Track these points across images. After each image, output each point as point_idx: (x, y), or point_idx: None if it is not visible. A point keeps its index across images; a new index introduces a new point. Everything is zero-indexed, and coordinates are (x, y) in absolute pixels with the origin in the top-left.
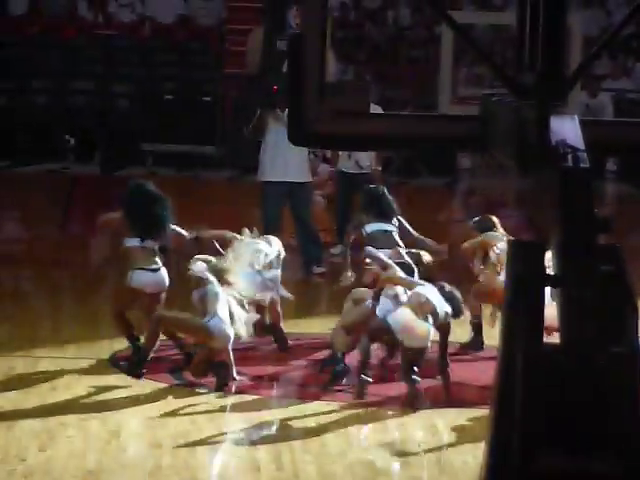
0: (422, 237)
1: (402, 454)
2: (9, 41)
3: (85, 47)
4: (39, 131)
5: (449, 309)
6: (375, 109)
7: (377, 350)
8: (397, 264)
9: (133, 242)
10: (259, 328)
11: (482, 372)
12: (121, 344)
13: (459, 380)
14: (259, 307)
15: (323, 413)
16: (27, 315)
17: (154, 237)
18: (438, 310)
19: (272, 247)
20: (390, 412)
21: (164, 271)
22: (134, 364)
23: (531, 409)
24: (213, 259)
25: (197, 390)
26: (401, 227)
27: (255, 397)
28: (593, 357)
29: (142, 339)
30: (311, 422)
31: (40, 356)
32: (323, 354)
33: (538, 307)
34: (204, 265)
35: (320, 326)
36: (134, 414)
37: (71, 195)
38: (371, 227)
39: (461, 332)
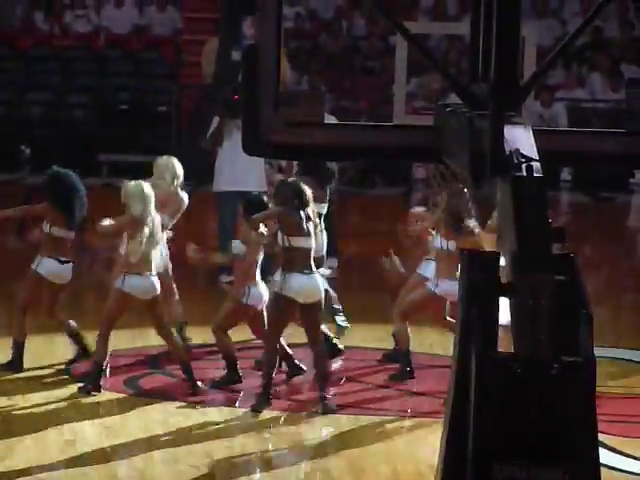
0: None
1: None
2: None
3: (41, 58)
4: None
5: None
6: (330, 119)
7: None
8: None
9: (56, 231)
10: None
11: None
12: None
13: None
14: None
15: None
16: None
17: (71, 228)
18: None
19: None
20: None
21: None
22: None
23: (484, 417)
24: None
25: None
26: None
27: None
28: (547, 366)
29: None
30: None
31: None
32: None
33: (492, 316)
34: None
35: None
36: (90, 424)
37: (26, 205)
38: None
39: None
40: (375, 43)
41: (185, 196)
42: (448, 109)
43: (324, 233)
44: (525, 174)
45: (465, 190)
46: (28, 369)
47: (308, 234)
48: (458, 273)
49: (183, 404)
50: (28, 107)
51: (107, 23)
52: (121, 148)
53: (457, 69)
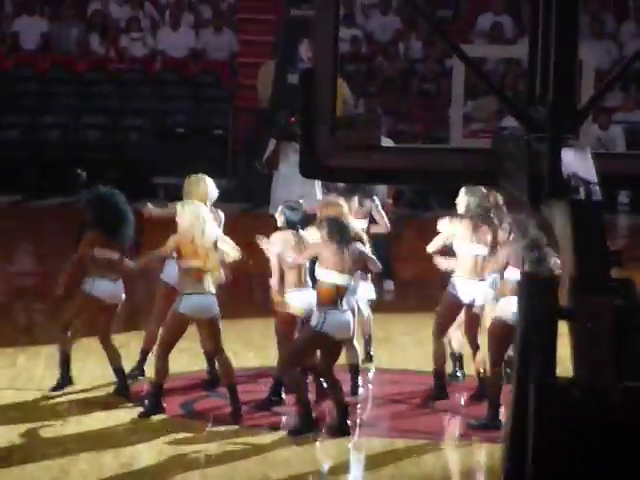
0: None
1: None
2: (22, 76)
3: (97, 81)
4: (52, 165)
5: None
6: (386, 142)
7: None
8: None
9: (103, 252)
10: None
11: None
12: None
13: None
14: None
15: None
16: (40, 348)
17: (119, 248)
18: None
19: None
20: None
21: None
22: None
23: (543, 443)
24: None
25: (209, 423)
26: None
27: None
28: (607, 391)
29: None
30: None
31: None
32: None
33: (551, 341)
34: None
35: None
36: (146, 447)
37: (82, 228)
38: None
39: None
40: (432, 66)
41: (220, 214)
42: (506, 132)
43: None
44: (583, 197)
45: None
46: (82, 390)
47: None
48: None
49: (237, 427)
50: (84, 130)
51: (163, 46)
52: (177, 171)
53: (514, 92)
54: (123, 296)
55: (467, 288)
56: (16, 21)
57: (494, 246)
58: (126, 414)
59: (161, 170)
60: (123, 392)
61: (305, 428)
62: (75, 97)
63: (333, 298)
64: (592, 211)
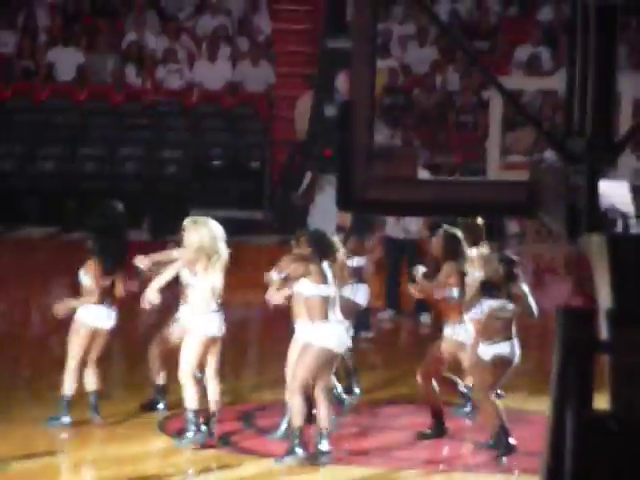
0: None
1: None
2: (58, 107)
3: (133, 113)
4: (88, 197)
5: None
6: (423, 175)
7: None
8: None
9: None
10: None
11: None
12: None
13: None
14: None
15: None
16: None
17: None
18: None
19: None
20: None
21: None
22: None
23: (581, 477)
24: None
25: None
26: None
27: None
28: None
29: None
30: None
31: (87, 420)
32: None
33: (588, 374)
34: None
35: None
36: None
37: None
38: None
39: None
40: (469, 98)
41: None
42: (543, 164)
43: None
44: (621, 230)
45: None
46: (121, 422)
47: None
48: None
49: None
50: (120, 163)
51: (200, 79)
52: (214, 203)
53: (551, 124)
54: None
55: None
56: (51, 52)
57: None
58: (163, 444)
59: (198, 202)
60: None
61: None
62: (111, 129)
63: (323, 311)
64: (630, 244)
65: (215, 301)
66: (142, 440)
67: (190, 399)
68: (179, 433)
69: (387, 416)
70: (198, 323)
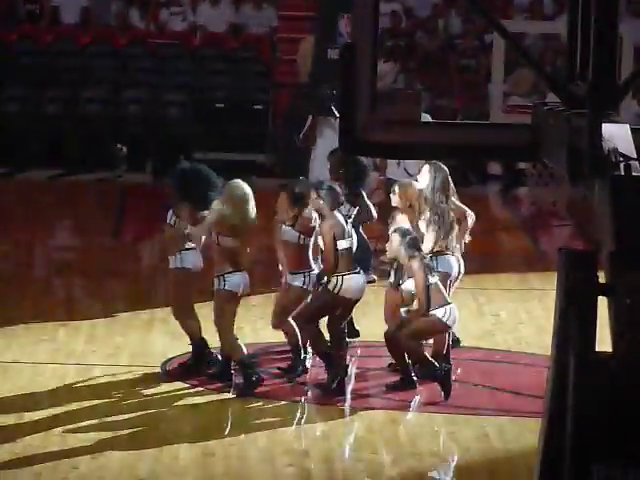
0: None
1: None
2: (60, 50)
3: (136, 56)
4: (91, 140)
5: None
6: (425, 118)
7: None
8: None
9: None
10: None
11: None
12: (173, 352)
13: (498, 386)
14: None
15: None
16: (80, 323)
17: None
18: None
19: None
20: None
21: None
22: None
23: (583, 417)
24: None
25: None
26: None
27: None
28: None
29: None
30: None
31: (93, 364)
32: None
33: (590, 316)
34: None
35: (371, 334)
36: (187, 423)
37: (123, 203)
38: None
39: None
40: (471, 41)
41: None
42: (545, 108)
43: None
44: (623, 173)
45: None
46: (124, 366)
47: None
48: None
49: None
50: (124, 105)
51: (203, 21)
52: (217, 146)
53: (553, 68)
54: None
55: None
56: None
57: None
58: (167, 388)
59: (201, 146)
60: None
61: (335, 377)
62: (115, 71)
63: (346, 262)
64: (632, 187)
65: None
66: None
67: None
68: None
69: (388, 357)
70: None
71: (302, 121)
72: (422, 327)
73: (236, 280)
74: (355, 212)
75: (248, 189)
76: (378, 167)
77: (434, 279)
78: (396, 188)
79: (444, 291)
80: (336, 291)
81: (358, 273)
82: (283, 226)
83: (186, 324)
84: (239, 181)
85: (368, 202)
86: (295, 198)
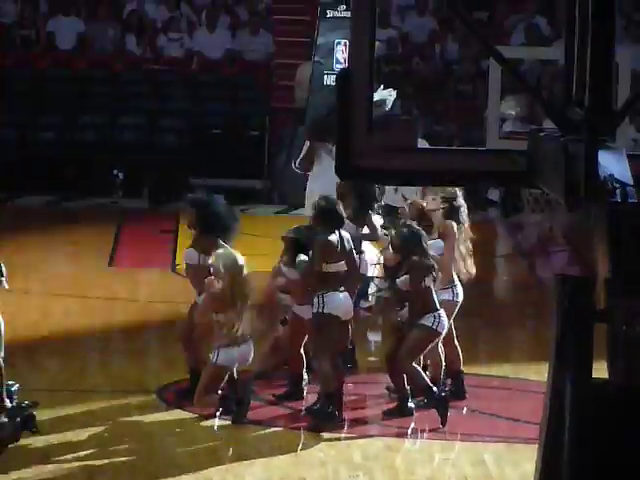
0: None
1: None
2: (58, 76)
3: (133, 82)
4: (87, 165)
5: None
6: (422, 143)
7: None
8: None
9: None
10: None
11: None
12: (168, 378)
13: (494, 412)
14: None
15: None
16: (77, 349)
17: None
18: None
19: None
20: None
21: None
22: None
23: (580, 445)
24: None
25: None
26: None
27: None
28: None
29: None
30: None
31: (89, 390)
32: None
33: (587, 342)
34: None
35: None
36: (184, 449)
37: (120, 229)
38: None
39: None
40: (468, 67)
41: None
42: (542, 134)
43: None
44: (620, 200)
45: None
46: (120, 392)
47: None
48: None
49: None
50: (121, 131)
51: (199, 47)
52: (214, 172)
53: (550, 93)
54: None
55: None
56: (51, 21)
57: None
58: (162, 416)
59: (198, 171)
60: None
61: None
62: (111, 97)
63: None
64: (628, 213)
65: None
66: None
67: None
68: None
69: (384, 382)
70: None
71: (299, 147)
72: (415, 338)
73: (229, 355)
74: (362, 232)
75: (240, 259)
76: (424, 192)
77: (429, 281)
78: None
79: (435, 297)
80: (321, 310)
81: (342, 292)
82: (285, 267)
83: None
84: (230, 251)
85: (375, 222)
86: (297, 248)
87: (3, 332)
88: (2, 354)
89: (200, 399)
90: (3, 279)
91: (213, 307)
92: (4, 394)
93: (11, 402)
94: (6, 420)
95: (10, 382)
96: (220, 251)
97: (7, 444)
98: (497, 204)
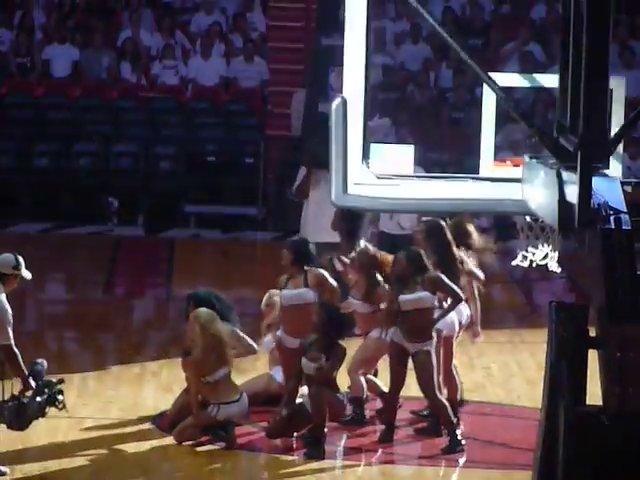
0: None
1: None
2: (52, 104)
3: (128, 109)
4: (82, 193)
5: None
6: (417, 171)
7: None
8: None
9: None
10: None
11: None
12: (164, 405)
13: (492, 439)
14: None
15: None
16: (71, 376)
17: None
18: None
19: None
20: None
21: None
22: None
23: (574, 470)
24: None
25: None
26: None
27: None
28: (637, 419)
29: None
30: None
31: (84, 417)
32: None
33: (581, 368)
34: None
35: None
36: (180, 476)
37: (115, 257)
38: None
39: None
40: (462, 94)
41: None
42: (536, 161)
43: None
44: (613, 226)
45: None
46: (115, 419)
47: None
48: None
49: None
50: (115, 158)
51: (194, 75)
52: (208, 199)
53: (544, 121)
54: None
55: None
56: (47, 49)
57: None
58: (157, 442)
59: (192, 199)
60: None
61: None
62: (106, 125)
63: None
64: (622, 240)
65: None
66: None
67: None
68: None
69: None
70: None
71: (294, 174)
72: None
73: (229, 410)
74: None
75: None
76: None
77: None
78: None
79: None
80: None
81: None
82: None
83: None
84: (205, 310)
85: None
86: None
87: (11, 319)
88: (12, 341)
89: (182, 434)
90: (23, 270)
91: (198, 372)
92: (26, 375)
93: (37, 381)
94: (33, 399)
95: (38, 360)
96: (198, 311)
97: (32, 420)
98: (488, 231)
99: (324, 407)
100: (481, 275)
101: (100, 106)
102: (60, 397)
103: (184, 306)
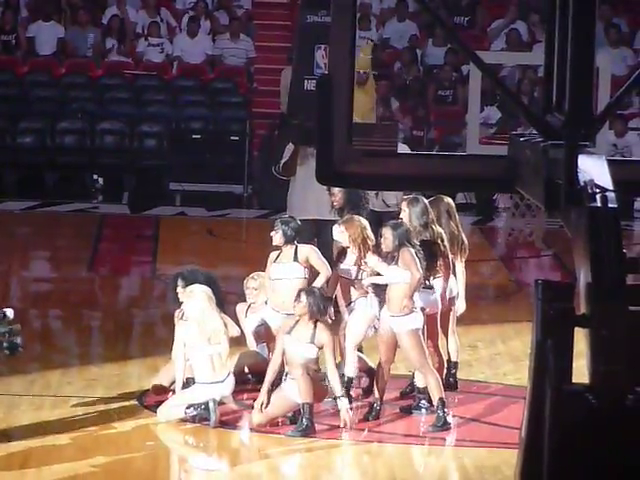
0: None
1: None
2: (37, 81)
3: (113, 87)
4: (67, 171)
5: None
6: (403, 149)
7: None
8: None
9: None
10: None
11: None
12: (149, 383)
13: (479, 418)
14: None
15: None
16: (56, 355)
17: None
18: None
19: None
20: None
21: None
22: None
23: (560, 449)
24: None
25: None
26: None
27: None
28: (622, 397)
29: None
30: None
31: (69, 395)
32: None
33: (567, 347)
34: None
35: None
36: (164, 455)
37: (100, 235)
38: None
39: None
40: (448, 72)
41: None
42: (522, 139)
43: None
44: (600, 205)
45: None
46: (100, 398)
47: None
48: None
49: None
50: (100, 136)
51: (180, 53)
52: (193, 177)
53: (530, 98)
54: None
55: None
56: (32, 26)
57: None
58: (142, 421)
59: (178, 176)
60: None
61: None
62: (91, 102)
63: None
64: (608, 218)
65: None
66: None
67: None
68: None
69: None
70: None
71: (280, 151)
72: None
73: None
74: None
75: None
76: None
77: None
78: (339, 225)
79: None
80: None
81: None
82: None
83: None
84: (200, 287)
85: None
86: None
87: None
88: None
89: (167, 412)
90: None
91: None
92: None
93: None
94: None
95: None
96: (191, 289)
97: None
98: (472, 208)
99: (310, 386)
100: (465, 252)
101: (85, 84)
102: (18, 339)
103: (171, 285)
